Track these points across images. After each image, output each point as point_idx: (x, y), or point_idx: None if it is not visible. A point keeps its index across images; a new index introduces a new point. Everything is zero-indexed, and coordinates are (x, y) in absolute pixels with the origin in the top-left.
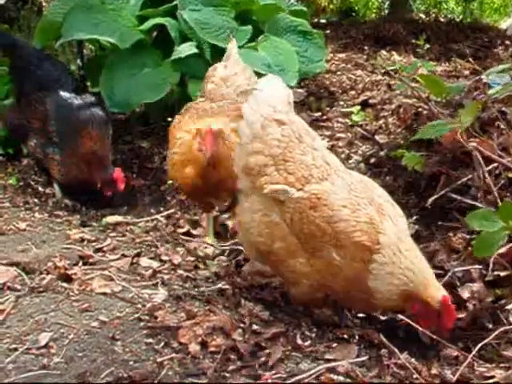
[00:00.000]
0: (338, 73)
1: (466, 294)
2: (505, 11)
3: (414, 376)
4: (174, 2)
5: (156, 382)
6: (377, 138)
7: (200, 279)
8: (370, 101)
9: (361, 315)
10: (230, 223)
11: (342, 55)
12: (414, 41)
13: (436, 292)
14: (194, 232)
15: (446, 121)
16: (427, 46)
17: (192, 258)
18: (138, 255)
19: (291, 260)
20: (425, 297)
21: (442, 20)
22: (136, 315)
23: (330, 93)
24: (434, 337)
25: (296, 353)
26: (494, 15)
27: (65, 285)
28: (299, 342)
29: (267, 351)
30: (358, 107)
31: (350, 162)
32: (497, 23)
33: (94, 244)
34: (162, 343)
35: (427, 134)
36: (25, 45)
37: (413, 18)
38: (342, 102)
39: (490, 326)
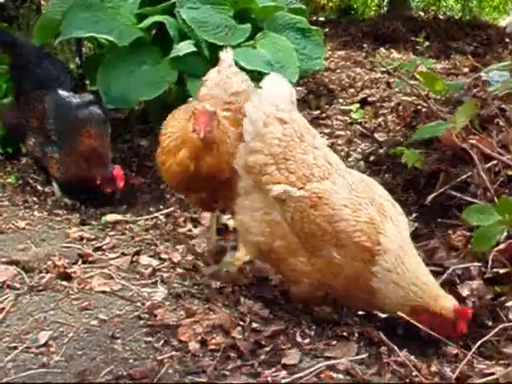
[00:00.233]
0: (337, 71)
1: (465, 292)
2: (504, 9)
3: (414, 373)
4: (173, 0)
5: (156, 380)
6: (376, 135)
7: (199, 277)
8: (369, 98)
9: (360, 313)
10: (230, 223)
11: (341, 53)
12: (413, 38)
13: (447, 302)
14: (195, 230)
15: (443, 120)
16: (426, 43)
17: (191, 257)
18: (138, 253)
19: (292, 259)
20: (438, 309)
21: (442, 17)
22: (136, 313)
23: (329, 91)
24: (434, 334)
25: (296, 350)
26: (493, 13)
27: (64, 283)
28: (299, 339)
29: (267, 349)
30: (357, 105)
31: (350, 159)
32: (496, 21)
33: (93, 242)
34: (162, 341)
35: (424, 134)
36: (24, 43)
37: (412, 16)
38: (341, 100)
39: (490, 323)
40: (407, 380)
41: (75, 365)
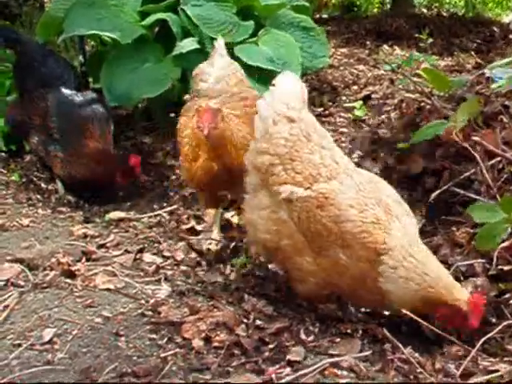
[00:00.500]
0: (341, 68)
1: (469, 289)
2: (507, 5)
3: (418, 370)
4: None
5: (160, 377)
6: (379, 132)
7: (203, 275)
8: (373, 95)
9: (364, 310)
10: (233, 219)
11: (345, 50)
12: (416, 35)
13: (461, 294)
14: (198, 227)
15: (447, 117)
16: (430, 40)
17: (195, 254)
18: (141, 251)
19: (298, 258)
20: (451, 300)
21: (445, 14)
22: (139, 311)
23: (332, 88)
24: (439, 331)
25: (300, 347)
26: (496, 9)
27: (68, 281)
28: (303, 336)
29: (271, 346)
30: (361, 102)
31: (353, 156)
32: (499, 17)
33: (97, 240)
34: (166, 338)
35: (425, 134)
36: (28, 41)
37: (415, 13)
38: (344, 97)
39: (494, 320)
40: (411, 377)
41: (79, 362)
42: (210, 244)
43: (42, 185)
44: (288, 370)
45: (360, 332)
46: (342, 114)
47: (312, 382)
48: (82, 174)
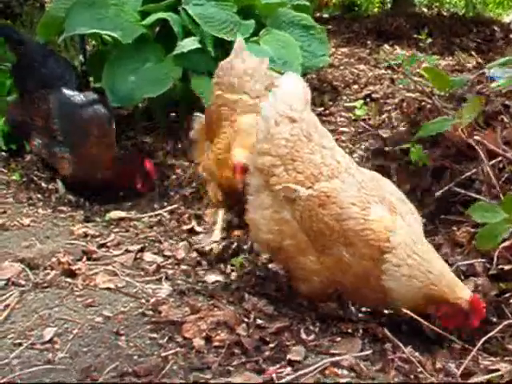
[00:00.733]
0: (341, 67)
1: (470, 288)
2: (508, 5)
3: (419, 370)
4: None
5: (160, 376)
6: (380, 132)
7: (203, 274)
8: (373, 95)
9: (365, 309)
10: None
11: (345, 50)
12: (416, 35)
13: (464, 293)
14: (199, 227)
15: (448, 116)
16: (430, 40)
17: (195, 254)
18: (142, 250)
19: (301, 257)
20: (453, 298)
21: (445, 14)
22: (140, 310)
23: (332, 87)
24: (439, 331)
25: (300, 347)
26: (497, 9)
27: (69, 280)
28: (303, 336)
29: (271, 345)
30: (361, 101)
31: (354, 156)
32: (500, 17)
33: (97, 239)
34: (166, 338)
35: (429, 130)
36: (29, 41)
37: (415, 12)
38: (344, 97)
39: (494, 319)
40: (412, 376)
41: (80, 361)
42: (212, 245)
43: (43, 184)
44: (288, 369)
45: (360, 331)
46: (343, 114)
47: (312, 381)
48: (85, 174)
